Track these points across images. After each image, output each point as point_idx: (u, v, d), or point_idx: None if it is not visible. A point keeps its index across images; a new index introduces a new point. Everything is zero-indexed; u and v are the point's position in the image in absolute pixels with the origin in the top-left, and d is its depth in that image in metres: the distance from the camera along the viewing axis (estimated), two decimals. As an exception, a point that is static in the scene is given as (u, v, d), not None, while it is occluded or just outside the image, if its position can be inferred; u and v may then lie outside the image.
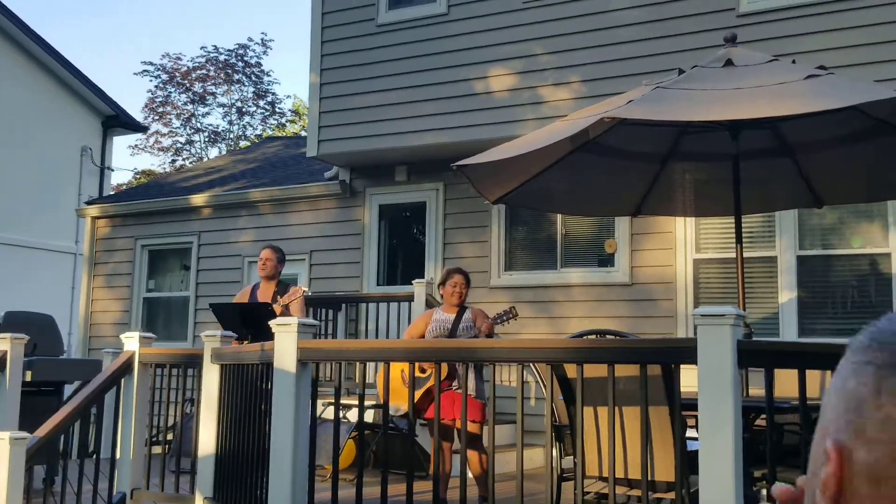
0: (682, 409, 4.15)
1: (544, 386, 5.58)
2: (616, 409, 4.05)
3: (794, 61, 5.84)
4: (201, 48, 46.59)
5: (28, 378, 7.17)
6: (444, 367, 6.24)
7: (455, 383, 6.28)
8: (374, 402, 7.89)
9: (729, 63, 5.45)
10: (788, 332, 8.51)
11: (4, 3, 18.67)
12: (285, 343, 4.69)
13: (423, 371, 6.16)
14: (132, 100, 62.37)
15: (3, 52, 18.83)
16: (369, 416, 8.17)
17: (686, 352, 3.73)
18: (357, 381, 9.97)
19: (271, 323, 4.81)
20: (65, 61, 19.84)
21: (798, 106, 4.85)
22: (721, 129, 5.87)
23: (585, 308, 9.63)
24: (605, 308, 9.50)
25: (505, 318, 6.43)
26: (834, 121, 5.55)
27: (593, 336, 5.66)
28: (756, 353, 3.73)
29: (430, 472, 6.70)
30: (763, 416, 5.51)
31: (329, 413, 7.58)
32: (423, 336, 6.39)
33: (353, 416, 7.87)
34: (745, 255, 6.75)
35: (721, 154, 6.40)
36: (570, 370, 4.56)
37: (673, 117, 5.16)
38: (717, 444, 3.57)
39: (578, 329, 9.22)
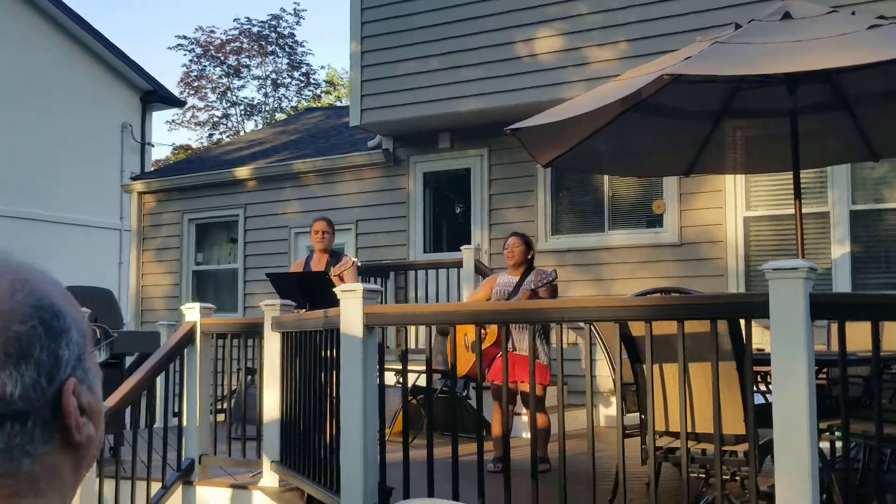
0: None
1: (604, 345, 5.61)
2: (680, 365, 4.06)
3: (853, 13, 5.75)
4: (234, 20, 46.80)
5: (92, 351, 7.29)
6: (494, 329, 6.30)
7: (511, 345, 6.33)
8: (422, 368, 7.96)
9: (787, 16, 5.38)
10: (842, 287, 8.44)
11: (42, -18, 18.81)
12: (351, 308, 4.75)
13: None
14: (168, 75, 62.66)
15: (43, 31, 18.99)
16: (421, 381, 8.25)
17: (758, 306, 3.73)
18: (404, 347, 10.06)
19: (336, 289, 4.87)
20: (102, 38, 19.97)
21: (861, 56, 4.79)
22: (778, 84, 5.82)
23: (633, 270, 9.62)
24: (654, 269, 9.48)
25: (546, 280, 6.48)
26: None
27: (658, 294, 5.66)
28: (829, 306, 3.73)
29: (490, 433, 6.78)
30: (824, 370, 5.52)
31: (388, 379, 7.66)
32: (488, 300, 6.44)
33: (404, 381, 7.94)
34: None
35: (776, 109, 6.35)
36: (635, 328, 4.57)
37: (733, 72, 5.12)
38: (792, 397, 3.58)
39: (626, 291, 9.23)
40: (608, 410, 9.11)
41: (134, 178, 14.85)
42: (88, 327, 1.03)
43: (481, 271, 9.75)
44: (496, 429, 6.56)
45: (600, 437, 7.67)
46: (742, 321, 3.93)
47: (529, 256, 6.66)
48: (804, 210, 8.58)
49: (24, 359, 0.91)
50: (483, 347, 6.29)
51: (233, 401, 7.55)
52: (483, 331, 6.18)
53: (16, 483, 0.90)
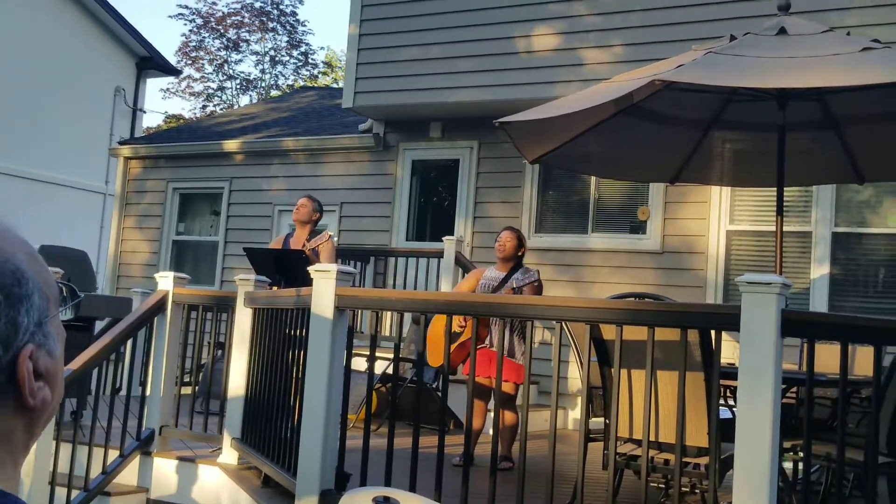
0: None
1: (576, 346, 5.59)
2: (648, 372, 4.04)
3: (848, 33, 5.74)
4: (237, -6, 46.46)
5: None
6: (471, 320, 6.27)
7: (487, 341, 6.31)
8: (402, 355, 7.92)
9: (782, 31, 5.36)
10: (819, 308, 8.45)
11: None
12: (323, 289, 4.70)
13: (461, 327, 6.18)
14: (166, 43, 62.19)
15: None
16: (389, 369, 8.21)
17: (729, 318, 3.71)
18: (382, 333, 10.05)
19: (310, 269, 4.82)
20: (102, 0, 19.82)
21: (853, 77, 4.78)
22: (768, 99, 5.81)
23: (614, 274, 9.61)
24: (634, 275, 9.47)
25: (529, 279, 6.45)
26: (886, 95, 5.46)
27: (631, 299, 5.63)
28: (800, 323, 3.71)
29: (451, 427, 6.75)
30: (793, 389, 5.51)
31: (356, 364, 7.62)
32: (473, 292, 6.41)
33: (376, 368, 7.90)
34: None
35: (765, 124, 6.33)
36: (607, 331, 4.55)
37: (724, 83, 5.10)
38: (756, 412, 3.56)
39: (604, 294, 9.22)
40: (577, 413, 9.10)
41: (122, 143, 14.73)
42: (54, 288, 1.01)
43: (462, 263, 9.72)
44: (466, 422, 6.53)
45: (566, 440, 7.67)
46: (713, 332, 3.91)
47: (520, 253, 6.63)
48: (786, 228, 8.57)
49: None
50: (461, 340, 6.27)
51: (200, 374, 7.49)
52: (462, 324, 6.15)
53: None
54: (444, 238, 9.94)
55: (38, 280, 0.97)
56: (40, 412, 0.97)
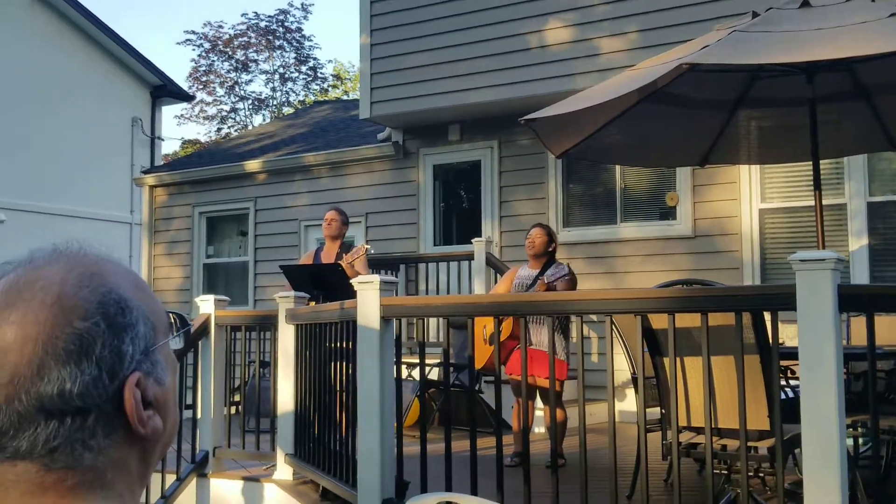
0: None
1: (622, 338, 5.55)
2: (705, 358, 4.00)
3: (873, 0, 5.67)
4: (242, 15, 46.78)
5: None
6: (509, 321, 6.24)
7: (529, 339, 6.28)
8: (437, 361, 7.91)
9: (806, 4, 5.31)
10: (860, 280, 8.37)
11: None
12: (368, 300, 4.70)
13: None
14: (176, 69, 62.69)
15: (54, 26, 18.97)
16: (433, 374, 8.20)
17: (784, 298, 3.66)
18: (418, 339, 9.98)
19: (353, 281, 4.82)
20: (112, 33, 19.95)
21: (882, 45, 4.71)
22: (796, 73, 5.75)
23: (646, 262, 9.55)
24: (667, 261, 9.41)
25: (560, 273, 6.43)
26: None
27: (679, 286, 5.59)
28: (857, 298, 3.66)
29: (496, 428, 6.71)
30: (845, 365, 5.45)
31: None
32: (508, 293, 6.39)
33: (416, 374, 7.90)
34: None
35: (793, 98, 6.28)
36: (656, 321, 4.51)
37: (753, 60, 5.05)
38: (820, 390, 3.51)
39: (638, 284, 9.17)
40: (622, 405, 9.05)
41: (145, 172, 14.81)
42: (163, 317, 1.03)
43: (492, 264, 9.69)
44: (515, 423, 6.52)
45: (616, 432, 7.61)
46: (767, 314, 3.86)
47: (551, 249, 6.60)
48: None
49: (86, 356, 0.92)
50: (500, 340, 6.25)
51: (244, 393, 7.50)
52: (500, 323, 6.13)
53: (79, 475, 0.91)
54: (473, 240, 9.91)
55: (143, 309, 0.99)
56: (153, 442, 0.97)
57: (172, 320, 1.09)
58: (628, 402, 8.51)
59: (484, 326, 6.53)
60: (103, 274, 0.97)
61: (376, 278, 4.71)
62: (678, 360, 4.47)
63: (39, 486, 0.90)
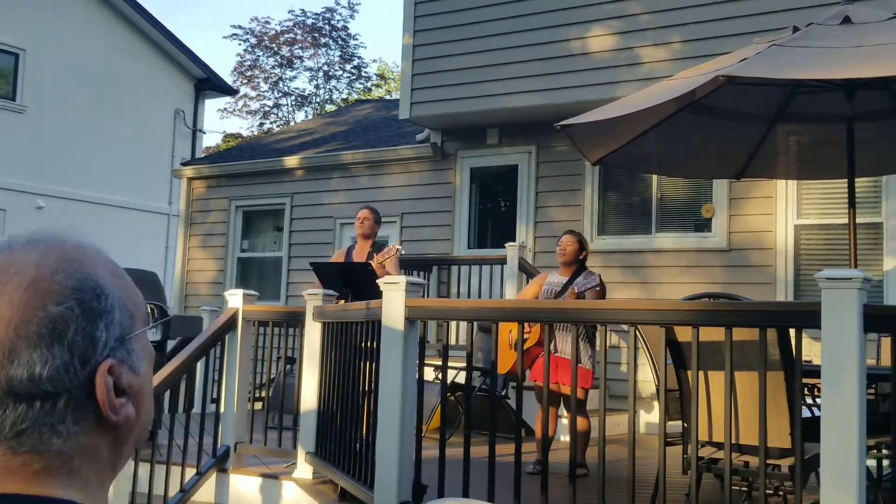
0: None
1: (648, 349, 5.52)
2: (727, 373, 3.97)
3: (917, 18, 5.59)
4: (289, 12, 47.11)
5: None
6: (537, 328, 6.23)
7: (554, 346, 6.26)
8: (462, 365, 7.90)
9: (847, 20, 5.25)
10: (893, 301, 8.25)
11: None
12: (394, 300, 4.71)
13: (527, 334, 6.15)
14: (221, 63, 63.23)
15: (100, 15, 19.24)
16: (460, 378, 8.19)
17: (809, 315, 3.62)
18: (445, 342, 10.01)
19: (379, 281, 4.83)
20: (159, 24, 20.19)
21: (924, 64, 4.64)
22: (835, 89, 5.68)
23: (680, 273, 9.49)
24: (701, 273, 9.34)
25: (591, 284, 6.40)
26: (959, 80, 5.31)
27: (706, 299, 5.55)
28: (884, 318, 3.62)
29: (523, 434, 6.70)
30: (872, 385, 5.38)
31: (424, 374, 7.62)
32: (537, 298, 6.37)
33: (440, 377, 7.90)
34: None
35: (831, 115, 6.20)
36: (681, 333, 4.48)
37: (790, 76, 5.00)
38: (841, 410, 3.47)
39: (671, 295, 9.10)
40: (648, 416, 9.00)
41: (184, 164, 14.96)
42: (141, 307, 1.03)
43: (525, 269, 9.67)
44: (538, 430, 6.50)
45: (640, 444, 7.57)
46: (792, 331, 3.82)
47: (581, 256, 6.56)
48: (857, 220, 8.41)
49: (57, 340, 0.92)
50: (525, 347, 6.24)
51: (271, 389, 7.55)
52: (526, 330, 6.12)
53: (45, 460, 0.91)
54: (506, 244, 9.90)
55: (121, 296, 0.98)
56: (125, 430, 0.97)
57: (149, 311, 1.09)
58: (655, 414, 8.45)
59: (510, 331, 6.51)
60: (81, 260, 0.97)
61: (403, 279, 4.72)
62: (702, 373, 4.44)
63: (6, 469, 0.90)
